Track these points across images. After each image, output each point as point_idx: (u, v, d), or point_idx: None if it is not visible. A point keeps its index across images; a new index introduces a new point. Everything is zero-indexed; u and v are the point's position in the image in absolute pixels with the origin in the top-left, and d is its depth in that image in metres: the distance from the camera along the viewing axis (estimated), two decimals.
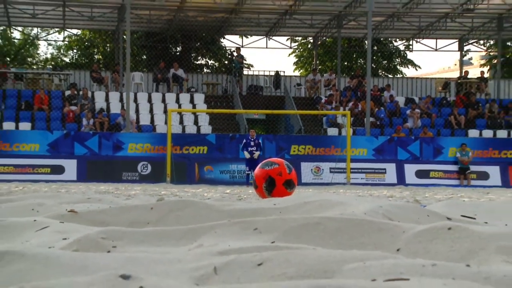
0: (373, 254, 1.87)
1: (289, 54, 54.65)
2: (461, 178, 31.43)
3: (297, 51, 54.61)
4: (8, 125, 33.16)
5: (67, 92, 35.95)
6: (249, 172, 27.24)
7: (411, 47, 48.43)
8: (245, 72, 44.84)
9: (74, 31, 50.25)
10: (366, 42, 40.40)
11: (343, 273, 1.68)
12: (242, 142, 29.39)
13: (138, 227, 2.52)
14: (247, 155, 28.22)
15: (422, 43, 45.55)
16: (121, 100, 36.13)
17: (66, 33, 49.78)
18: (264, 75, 43.40)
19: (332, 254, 1.84)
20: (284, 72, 43.37)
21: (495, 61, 46.23)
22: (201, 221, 2.54)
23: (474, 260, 1.98)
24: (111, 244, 2.21)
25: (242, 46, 45.71)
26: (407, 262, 1.75)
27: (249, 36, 47.26)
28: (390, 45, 53.07)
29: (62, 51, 57.46)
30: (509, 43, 49.10)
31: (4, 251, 1.76)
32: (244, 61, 46.88)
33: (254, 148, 28.12)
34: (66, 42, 54.26)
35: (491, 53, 50.32)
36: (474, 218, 2.64)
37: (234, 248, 2.01)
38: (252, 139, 28.61)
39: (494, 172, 31.71)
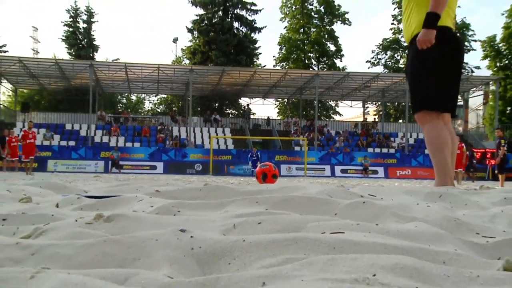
0: (322, 218, 1.94)
1: (274, 107, 60.47)
2: (364, 173, 36.77)
3: (278, 106, 59.12)
4: (128, 144, 39.03)
5: (159, 127, 42.31)
6: (253, 169, 31.24)
7: (338, 104, 56.81)
8: (251, 117, 50.26)
9: (163, 95, 56.83)
10: (315, 102, 44.26)
11: (306, 228, 1.77)
12: (249, 154, 34.79)
13: (193, 200, 2.64)
14: (250, 164, 33.71)
15: (344, 102, 52.44)
16: (186, 131, 41.60)
17: (158, 96, 59.30)
18: (261, 118, 49.74)
19: (300, 217, 1.93)
20: (272, 117, 50.45)
21: (381, 112, 51.30)
22: (227, 197, 2.71)
23: (379, 221, 2.08)
24: (177, 210, 2.32)
25: (250, 103, 52.04)
26: (342, 222, 1.82)
27: (253, 98, 51.14)
28: (327, 103, 58.07)
29: (156, 105, 64.34)
30: (388, 104, 54.59)
31: (118, 213, 1.87)
32: (251, 111, 51.88)
33: (255, 158, 32.98)
34: (158, 101, 63.15)
35: (379, 108, 54.76)
36: (375, 196, 2.84)
37: (245, 213, 2.14)
38: (254, 153, 33.85)
39: (380, 170, 37.85)
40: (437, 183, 4.23)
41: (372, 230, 1.68)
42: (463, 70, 33.37)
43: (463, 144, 20.92)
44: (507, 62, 54.55)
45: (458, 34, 4.22)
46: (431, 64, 4.09)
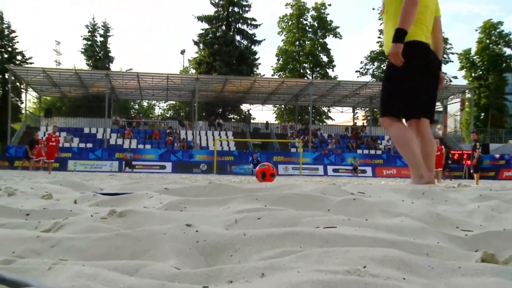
0: (316, 213, 1.92)
1: (273, 113, 60.15)
2: (354, 172, 36.73)
3: (276, 111, 58.83)
4: (140, 146, 39.03)
5: (168, 130, 42.25)
6: (253, 169, 30.94)
7: (330, 110, 56.77)
8: (252, 121, 50.03)
9: (172, 101, 56.84)
10: (309, 107, 44.48)
11: (302, 223, 1.74)
12: (250, 158, 35.41)
13: (198, 197, 2.63)
14: (251, 165, 33.69)
15: (335, 108, 52.41)
16: (192, 134, 41.45)
17: (167, 103, 59.05)
18: (260, 122, 49.60)
19: (296, 213, 1.90)
20: (270, 121, 50.02)
21: (369, 117, 50.83)
22: (229, 194, 2.66)
23: (368, 216, 2.04)
24: (184, 206, 2.28)
25: (250, 109, 52.25)
26: (335, 217, 1.80)
27: (254, 104, 51.12)
28: (320, 109, 57.65)
29: (165, 111, 64.33)
30: (375, 109, 52.91)
31: (130, 209, 1.86)
32: (251, 116, 52.06)
33: (255, 162, 32.69)
34: (167, 107, 63.29)
35: (367, 114, 54.23)
36: (364, 193, 2.83)
37: (245, 209, 2.09)
38: (255, 158, 34.13)
39: (369, 170, 37.59)
40: (412, 177, 4.23)
41: (362, 224, 1.66)
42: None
43: (442, 146, 21.08)
44: (480, 73, 54.97)
45: (430, 48, 4.23)
46: (398, 74, 4.12)
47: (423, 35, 4.13)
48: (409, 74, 4.11)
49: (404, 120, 4.40)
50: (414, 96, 4.18)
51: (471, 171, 18.33)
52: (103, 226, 1.66)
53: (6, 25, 51.73)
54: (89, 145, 38.86)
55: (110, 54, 56.91)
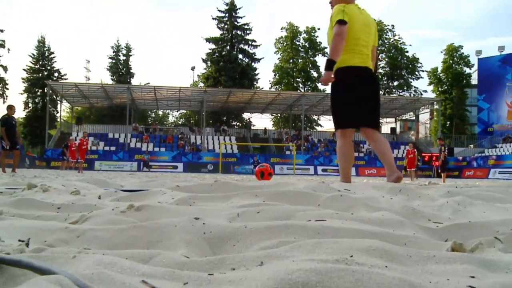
0: (308, 208, 1.89)
1: (270, 120, 59.50)
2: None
3: (273, 119, 58.69)
4: (156, 149, 38.73)
5: (179, 135, 41.89)
6: (254, 169, 30.78)
7: (320, 118, 55.90)
8: (252, 127, 49.87)
9: (183, 110, 55.93)
10: (301, 116, 44.26)
11: (296, 217, 1.70)
12: (251, 160, 35.42)
13: (206, 193, 2.56)
14: (252, 166, 33.60)
15: (324, 117, 51.83)
16: (201, 139, 41.08)
17: (179, 111, 58.33)
18: (260, 129, 49.10)
19: (291, 207, 1.87)
20: (268, 128, 49.84)
21: None
22: (232, 191, 2.63)
23: (353, 210, 2.00)
24: (192, 201, 2.25)
25: (251, 117, 52.68)
26: (324, 211, 1.76)
27: (254, 113, 51.02)
28: (311, 117, 56.69)
29: (178, 119, 64.40)
30: None
31: (145, 204, 1.83)
32: (252, 123, 51.91)
33: (256, 164, 32.11)
34: (179, 115, 63.42)
35: None
36: (350, 190, 2.80)
37: (246, 204, 2.07)
38: (255, 161, 34.17)
39: (353, 170, 35.10)
40: (340, 180, 4.50)
41: (348, 218, 1.64)
42: (414, 93, 33.99)
43: (415, 150, 21.55)
44: (446, 87, 55.51)
45: (363, 70, 4.42)
46: (336, 95, 4.46)
47: (356, 60, 4.36)
48: (346, 94, 4.40)
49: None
50: (353, 111, 4.44)
51: (439, 171, 18.71)
52: (123, 219, 1.64)
53: (47, 47, 52.07)
54: (113, 148, 38.83)
55: (131, 71, 56.98)
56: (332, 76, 4.27)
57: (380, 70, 58.04)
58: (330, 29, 4.40)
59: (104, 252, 1.03)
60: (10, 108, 13.12)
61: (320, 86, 59.23)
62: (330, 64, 4.18)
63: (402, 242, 1.28)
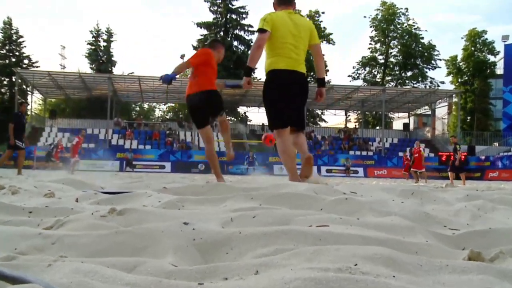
0: (309, 212, 1.93)
1: None
2: (347, 173, 35.73)
3: None
4: (141, 146, 38.39)
5: (167, 131, 41.43)
6: (249, 168, 33.06)
7: (324, 113, 55.18)
8: (248, 123, 49.94)
9: (171, 103, 55.81)
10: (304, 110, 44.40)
11: (295, 222, 1.73)
12: (246, 156, 35.11)
13: (196, 196, 2.58)
14: (245, 163, 33.98)
15: (329, 111, 51.18)
16: (191, 135, 40.80)
17: (167, 105, 57.80)
18: (257, 124, 48.91)
19: (289, 211, 1.90)
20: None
21: (361, 120, 50.85)
22: (226, 193, 2.61)
23: (359, 215, 2.02)
24: (181, 205, 2.26)
25: (247, 111, 52.84)
26: (327, 216, 1.80)
27: (250, 106, 51.08)
28: (314, 112, 56.51)
29: (165, 113, 63.90)
30: (367, 112, 53.68)
31: (129, 207, 1.85)
32: (248, 118, 52.50)
33: (251, 160, 33.62)
34: (167, 109, 62.75)
35: (359, 117, 54.07)
36: (356, 193, 2.80)
37: (241, 207, 2.16)
38: (250, 156, 34.44)
39: (361, 170, 36.83)
40: (289, 178, 4.94)
41: (353, 223, 1.65)
42: (430, 85, 34.28)
43: (421, 148, 21.77)
44: (466, 78, 55.26)
45: (289, 73, 4.98)
46: (265, 97, 5.06)
47: (283, 63, 4.95)
48: (273, 96, 5.02)
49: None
50: (281, 112, 5.05)
51: (448, 170, 19.00)
52: (103, 224, 1.65)
53: (15, 30, 51.77)
54: (92, 146, 38.73)
55: (112, 58, 56.76)
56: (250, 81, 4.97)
57: (391, 59, 58.17)
58: None
59: (83, 260, 1.04)
60: (21, 105, 13.42)
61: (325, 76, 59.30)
62: (248, 70, 4.90)
63: (412, 250, 1.29)
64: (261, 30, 4.83)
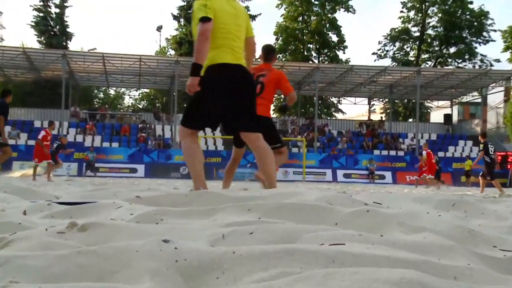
0: (321, 227, 1.97)
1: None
2: (370, 178, 36.76)
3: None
4: (106, 144, 38.85)
5: (140, 125, 41.99)
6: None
7: (341, 101, 56.25)
8: None
9: (145, 89, 57.10)
10: (314, 98, 44.82)
11: (303, 239, 1.78)
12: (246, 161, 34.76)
13: (177, 207, 2.64)
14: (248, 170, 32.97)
15: (347, 99, 51.61)
16: (171, 130, 41.37)
17: (140, 91, 58.81)
18: None
19: (296, 227, 1.95)
20: None
21: (388, 110, 51.34)
22: (216, 204, 2.68)
23: (383, 231, 2.13)
24: (160, 218, 2.32)
25: None
26: (343, 232, 1.83)
27: None
28: (329, 100, 57.41)
29: (137, 101, 64.66)
30: (396, 101, 54.76)
31: (93, 222, 1.88)
32: None
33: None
34: (140, 96, 63.54)
35: (386, 106, 54.60)
36: (381, 204, 2.86)
37: (235, 222, 2.21)
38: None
39: (388, 175, 37.58)
40: (195, 187, 5.19)
41: (375, 241, 1.69)
42: (481, 64, 34.41)
43: (429, 151, 23.47)
44: None
45: (235, 68, 5.34)
46: (198, 93, 5.29)
47: (228, 56, 5.30)
48: (208, 95, 5.31)
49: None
50: (203, 112, 5.40)
51: (480, 175, 19.42)
52: (61, 242, 1.68)
53: None
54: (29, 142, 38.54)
55: (68, 30, 56.72)
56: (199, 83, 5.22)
57: (429, 31, 58.15)
58: (194, 27, 5.27)
59: (40, 286, 1.07)
60: (8, 94, 13.54)
61: (342, 55, 59.36)
62: (195, 69, 5.15)
63: (449, 275, 1.34)
64: (205, 19, 5.10)
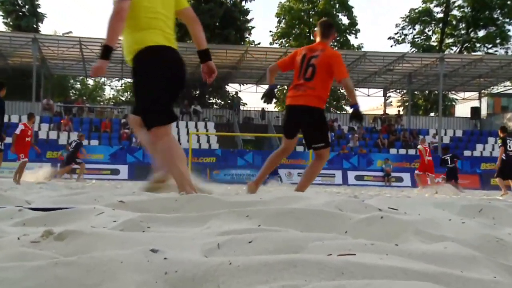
0: (328, 235, 2.01)
1: None
2: (385, 181, 36.83)
3: (277, 94, 58.72)
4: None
5: (123, 120, 41.54)
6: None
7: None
8: (241, 108, 50.70)
9: (128, 79, 54.80)
10: None
11: (307, 249, 1.80)
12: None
13: (166, 213, 2.66)
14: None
15: (359, 91, 50.37)
16: None
17: (122, 81, 56.80)
18: (254, 110, 50.16)
19: (300, 235, 1.99)
20: (267, 108, 49.30)
21: (407, 103, 51.30)
22: (210, 209, 2.72)
23: (399, 240, 2.15)
24: (146, 226, 2.35)
25: (240, 91, 53.41)
26: (353, 241, 1.86)
27: (244, 84, 51.83)
28: (338, 91, 56.68)
29: (120, 93, 64.58)
30: (416, 92, 54.72)
31: (72, 230, 1.90)
32: (241, 101, 53.48)
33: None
34: (122, 87, 63.17)
35: (404, 98, 54.74)
36: (397, 210, 2.88)
37: (232, 229, 2.23)
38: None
39: (406, 177, 37.04)
40: (183, 190, 5.21)
41: (390, 251, 1.71)
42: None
43: (423, 147, 24.36)
44: None
45: (167, 50, 5.45)
46: (146, 81, 5.39)
47: (159, 38, 5.40)
48: (152, 79, 5.39)
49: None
50: (163, 101, 5.47)
51: (495, 176, 19.85)
52: (36, 253, 1.69)
53: None
54: (8, 140, 38.60)
55: (39, 10, 56.62)
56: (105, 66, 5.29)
57: (454, 12, 57.96)
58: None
59: None
60: (1, 88, 13.65)
61: (354, 40, 59.23)
62: (106, 51, 5.21)
63: None
64: None
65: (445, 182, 23.87)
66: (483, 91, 50.80)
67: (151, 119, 5.45)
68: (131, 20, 5.27)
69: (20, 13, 55.34)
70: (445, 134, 44.25)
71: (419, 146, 25.16)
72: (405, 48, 57.64)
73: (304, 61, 7.25)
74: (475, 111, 49.25)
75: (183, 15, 5.80)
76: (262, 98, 7.66)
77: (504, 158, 18.61)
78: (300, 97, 7.24)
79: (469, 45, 57.79)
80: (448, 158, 24.77)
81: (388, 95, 53.17)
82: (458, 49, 57.67)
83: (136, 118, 5.80)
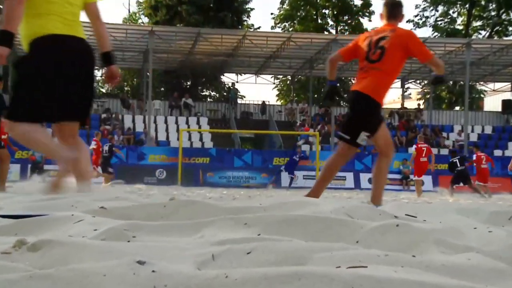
0: (337, 245, 2.02)
1: (273, 88, 61.35)
2: (403, 184, 37.29)
3: (278, 86, 59.17)
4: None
5: (103, 115, 42.31)
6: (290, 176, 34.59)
7: None
8: (239, 101, 51.16)
9: None
10: None
11: (313, 261, 1.82)
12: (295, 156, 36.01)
13: (154, 221, 2.68)
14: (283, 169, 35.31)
15: None
16: (144, 121, 41.85)
17: (103, 71, 55.88)
18: (253, 104, 50.48)
19: (305, 245, 2.01)
20: (268, 101, 50.19)
21: (428, 96, 51.83)
22: (203, 216, 2.73)
23: (417, 251, 2.17)
24: (132, 235, 2.34)
25: (237, 82, 52.72)
26: (365, 252, 1.89)
27: (242, 74, 52.21)
28: (349, 82, 55.82)
29: (100, 84, 63.49)
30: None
31: (48, 239, 1.91)
32: (238, 93, 53.27)
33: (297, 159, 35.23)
34: (103, 77, 60.99)
35: (425, 90, 54.83)
36: (416, 217, 2.89)
37: (228, 239, 2.24)
38: (299, 155, 36.14)
39: (427, 180, 35.97)
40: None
41: (406, 263, 1.73)
42: None
43: (427, 146, 24.31)
44: None
45: (69, 39, 5.67)
46: (25, 76, 5.61)
47: (58, 25, 5.55)
48: (36, 73, 5.55)
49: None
50: (41, 99, 5.57)
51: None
52: (7, 265, 1.70)
53: None
54: None
55: None
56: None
57: None
58: None
59: None
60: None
61: (367, 23, 59.18)
62: (6, 37, 5.34)
63: None
64: None
65: (450, 185, 24.61)
66: None
67: (10, 109, 5.64)
68: (27, 4, 5.38)
69: None
70: (472, 131, 44.14)
71: (414, 146, 24.76)
72: (426, 32, 57.63)
73: (372, 45, 6.99)
74: (507, 104, 48.88)
75: (88, 10, 5.97)
76: (322, 101, 7.68)
77: None
78: (359, 82, 7.10)
79: (500, 28, 57.75)
80: (457, 160, 25.05)
81: (406, 86, 53.07)
82: (488, 34, 57.64)
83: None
